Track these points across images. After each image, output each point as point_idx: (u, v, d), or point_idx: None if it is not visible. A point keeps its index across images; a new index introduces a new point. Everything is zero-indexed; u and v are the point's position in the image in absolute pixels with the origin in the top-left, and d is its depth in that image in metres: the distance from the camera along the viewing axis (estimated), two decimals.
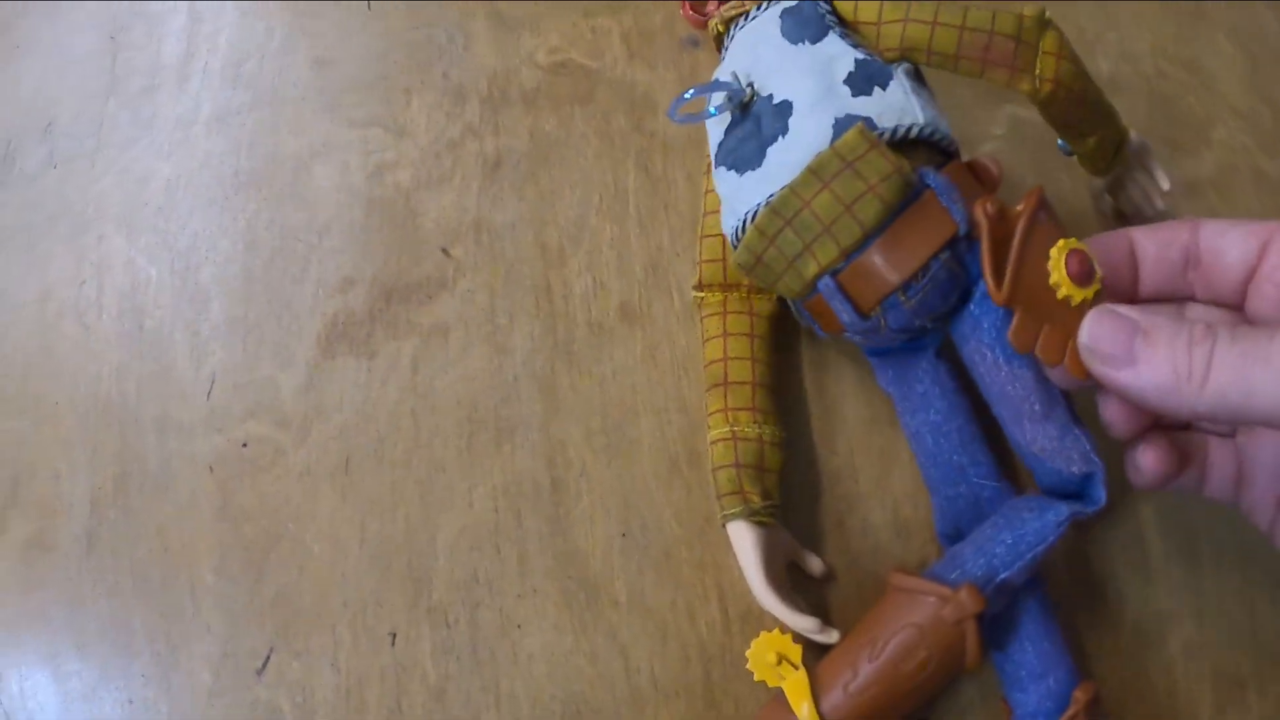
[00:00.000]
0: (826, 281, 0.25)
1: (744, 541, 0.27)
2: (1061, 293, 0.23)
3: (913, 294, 0.25)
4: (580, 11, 0.37)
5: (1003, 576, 0.25)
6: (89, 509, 0.34)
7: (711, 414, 0.29)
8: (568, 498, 0.31)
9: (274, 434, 0.33)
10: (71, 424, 0.35)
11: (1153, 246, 0.26)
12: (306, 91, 0.37)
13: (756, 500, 0.27)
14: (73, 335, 0.36)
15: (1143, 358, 0.22)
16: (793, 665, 0.26)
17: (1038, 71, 0.26)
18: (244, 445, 0.33)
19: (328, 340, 0.33)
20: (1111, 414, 0.25)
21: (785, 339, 0.31)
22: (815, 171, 0.25)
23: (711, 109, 0.27)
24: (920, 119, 0.26)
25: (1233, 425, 0.27)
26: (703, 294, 0.30)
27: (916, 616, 0.25)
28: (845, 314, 0.26)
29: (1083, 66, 0.27)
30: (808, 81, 0.26)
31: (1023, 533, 0.25)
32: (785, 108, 0.26)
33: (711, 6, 0.32)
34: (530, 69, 0.36)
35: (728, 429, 0.28)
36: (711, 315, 0.30)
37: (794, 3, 0.27)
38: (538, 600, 0.30)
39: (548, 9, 0.37)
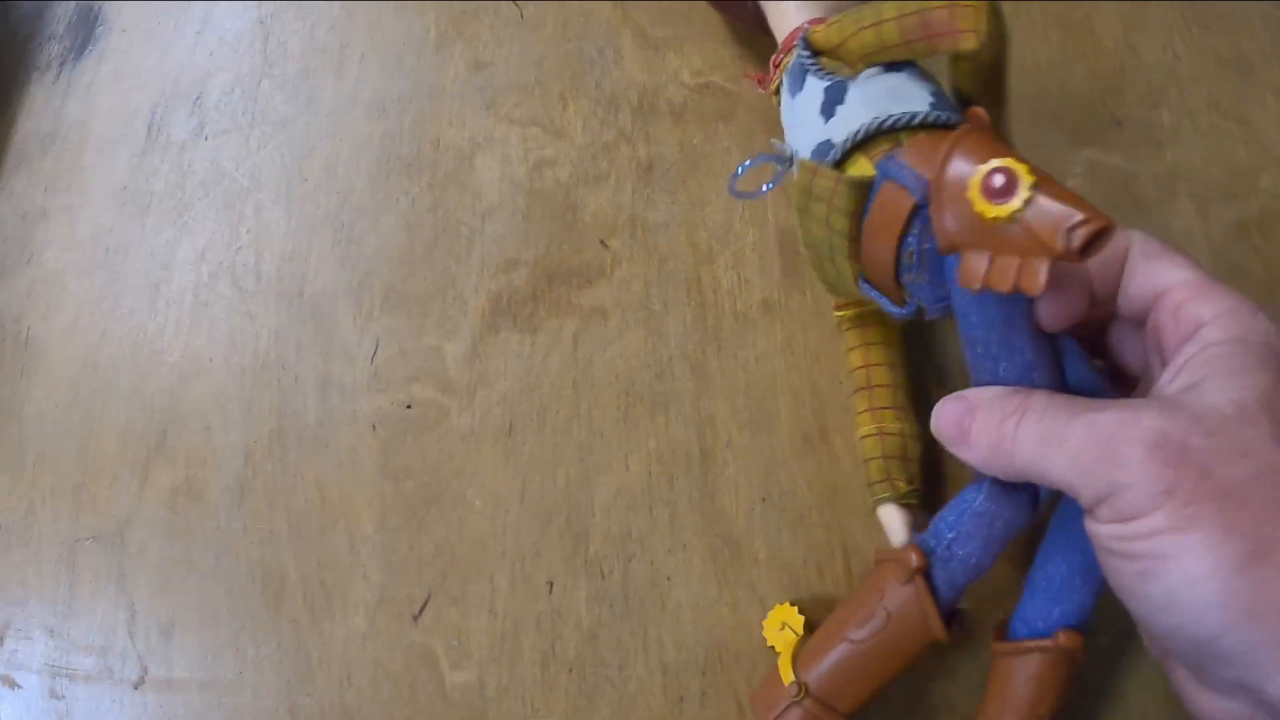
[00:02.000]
0: (861, 284, 0.28)
1: (893, 522, 0.31)
2: (987, 214, 0.21)
3: (914, 272, 0.26)
4: (719, 39, 0.41)
5: (949, 537, 0.26)
6: (243, 460, 0.36)
7: (859, 414, 0.33)
8: (715, 465, 0.34)
9: (439, 397, 0.35)
10: (225, 379, 0.37)
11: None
12: (465, 89, 0.40)
13: (902, 486, 0.31)
14: (228, 296, 0.38)
15: (971, 435, 0.24)
16: (794, 632, 0.29)
17: (973, 26, 0.26)
18: (408, 407, 0.35)
19: (492, 315, 0.36)
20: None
21: (919, 339, 0.35)
22: (799, 211, 0.27)
23: (764, 187, 0.30)
24: (866, 120, 0.27)
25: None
26: (841, 312, 0.34)
27: (877, 582, 0.27)
28: (887, 306, 0.28)
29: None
30: (799, 128, 0.30)
31: (961, 498, 0.27)
32: (794, 157, 0.30)
33: (768, 77, 0.35)
34: (676, 86, 0.40)
35: (874, 426, 0.32)
36: (851, 329, 0.34)
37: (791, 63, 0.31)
38: (686, 555, 0.33)
39: (689, 33, 0.41)
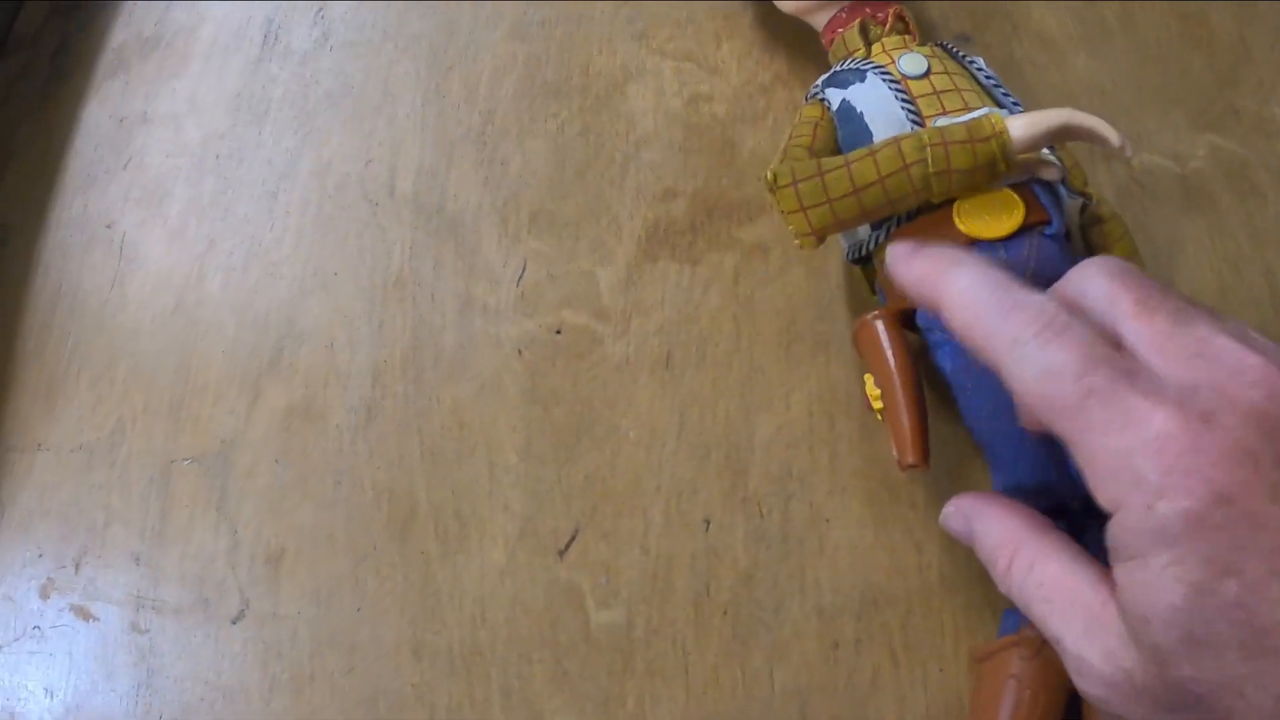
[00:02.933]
0: None
1: None
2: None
3: None
4: None
5: None
6: (370, 381, 0.34)
7: None
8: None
9: (592, 324, 0.33)
10: (352, 295, 0.35)
11: None
12: (615, 19, 0.39)
13: None
14: (357, 208, 0.36)
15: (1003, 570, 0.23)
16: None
17: None
18: (557, 332, 0.33)
19: (649, 243, 0.34)
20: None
21: None
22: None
23: None
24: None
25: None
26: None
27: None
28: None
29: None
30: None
31: None
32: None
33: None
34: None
35: None
36: None
37: None
38: (845, 498, 0.31)
39: None
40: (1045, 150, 0.29)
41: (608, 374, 0.33)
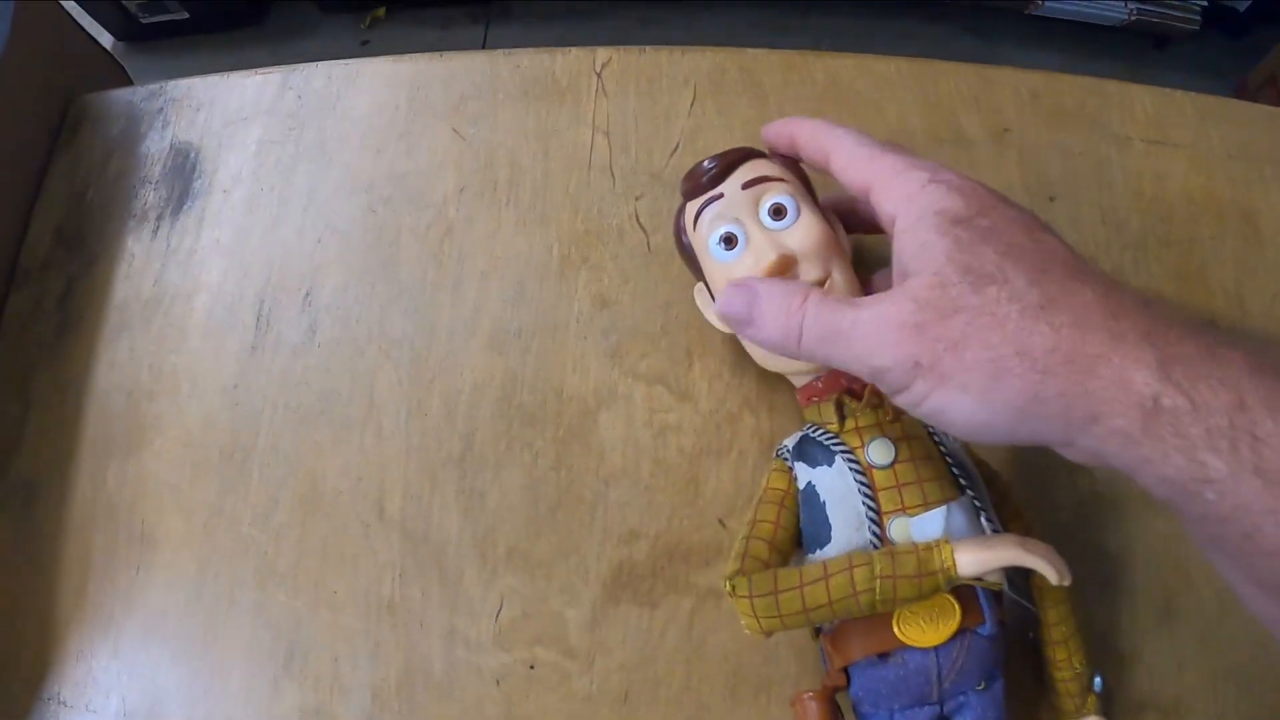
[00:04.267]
0: None
1: None
2: None
3: None
4: None
5: None
6: (370, 697, 0.39)
7: None
8: None
9: (561, 661, 0.38)
10: (350, 615, 0.39)
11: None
12: (589, 329, 0.40)
13: None
14: (350, 529, 0.40)
15: (758, 319, 0.30)
16: None
17: None
18: (531, 666, 0.38)
19: (613, 586, 0.38)
20: None
21: None
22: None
23: None
24: None
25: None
26: None
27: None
28: None
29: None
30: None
31: None
32: None
33: None
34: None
35: None
36: None
37: None
38: None
39: None
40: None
41: (574, 706, 0.38)
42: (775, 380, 0.39)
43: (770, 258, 0.33)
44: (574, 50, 0.44)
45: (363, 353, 0.41)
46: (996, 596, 0.33)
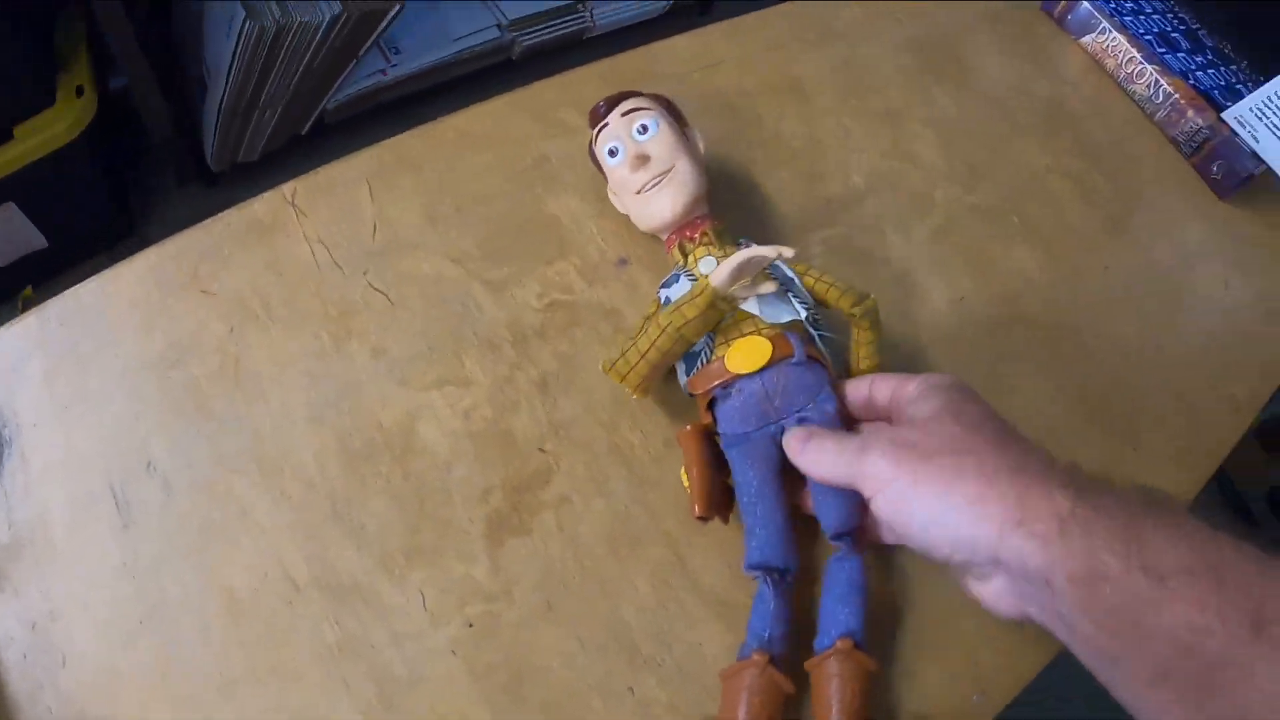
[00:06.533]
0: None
1: None
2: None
3: None
4: (541, 260, 0.55)
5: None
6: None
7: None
8: (691, 552, 0.50)
9: (489, 607, 0.48)
10: (314, 670, 0.47)
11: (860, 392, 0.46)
12: (376, 375, 0.51)
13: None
14: (277, 612, 0.47)
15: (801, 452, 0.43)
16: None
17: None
18: (470, 625, 0.47)
19: (493, 534, 0.49)
20: None
21: None
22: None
23: None
24: None
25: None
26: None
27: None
28: None
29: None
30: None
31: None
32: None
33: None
34: (530, 312, 0.54)
35: None
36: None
37: None
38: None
39: (518, 268, 0.55)
40: (786, 270, 0.48)
41: (519, 634, 0.47)
42: (521, 341, 0.53)
43: (632, 155, 0.51)
44: (265, 194, 0.55)
45: (215, 480, 0.49)
46: (806, 337, 0.47)
